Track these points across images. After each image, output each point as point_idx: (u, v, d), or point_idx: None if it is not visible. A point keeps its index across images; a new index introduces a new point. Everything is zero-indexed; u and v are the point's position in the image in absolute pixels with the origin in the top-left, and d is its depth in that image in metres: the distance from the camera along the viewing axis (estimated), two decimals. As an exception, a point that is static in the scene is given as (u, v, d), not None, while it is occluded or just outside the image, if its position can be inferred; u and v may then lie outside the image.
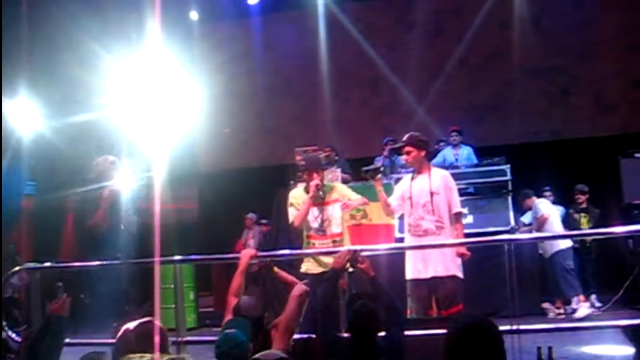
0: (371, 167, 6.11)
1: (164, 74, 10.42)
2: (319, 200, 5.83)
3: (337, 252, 4.84)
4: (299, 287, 4.37)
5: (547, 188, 9.92)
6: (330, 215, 5.85)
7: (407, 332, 4.26)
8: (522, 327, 4.81)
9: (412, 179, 5.85)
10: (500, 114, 12.57)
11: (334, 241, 5.79)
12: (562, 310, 8.84)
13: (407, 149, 5.80)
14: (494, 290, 7.43)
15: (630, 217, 9.28)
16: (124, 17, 10.50)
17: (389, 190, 6.23)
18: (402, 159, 6.14)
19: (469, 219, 8.93)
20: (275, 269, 4.93)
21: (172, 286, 5.74)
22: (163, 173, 7.52)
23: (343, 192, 5.96)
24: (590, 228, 9.42)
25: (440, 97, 12.51)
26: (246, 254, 4.95)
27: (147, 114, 10.30)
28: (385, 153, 10.43)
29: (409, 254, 5.78)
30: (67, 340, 4.23)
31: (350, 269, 4.81)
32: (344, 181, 9.63)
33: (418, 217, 5.69)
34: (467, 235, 6.11)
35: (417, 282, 5.66)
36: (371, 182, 5.88)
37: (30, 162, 11.55)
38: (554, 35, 12.41)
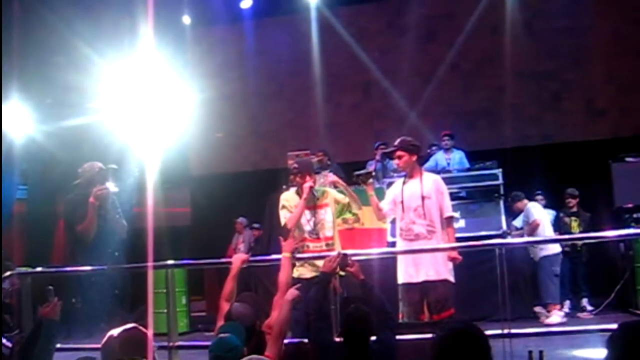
0: (363, 171, 6.13)
1: (156, 78, 10.41)
2: (312, 203, 5.84)
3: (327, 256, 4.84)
4: (292, 292, 4.37)
5: (539, 192, 9.95)
6: (323, 219, 5.85)
7: (399, 337, 4.28)
8: (513, 331, 4.84)
9: (404, 183, 5.87)
10: (492, 118, 12.61)
11: (327, 244, 5.79)
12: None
13: (399, 153, 5.81)
14: (486, 295, 7.43)
15: (621, 221, 9.34)
16: (117, 21, 10.50)
17: (380, 194, 6.24)
18: (394, 163, 6.16)
19: (461, 223, 8.94)
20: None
21: (164, 290, 5.74)
22: (155, 177, 7.52)
23: (335, 197, 5.98)
24: (581, 232, 9.44)
25: (432, 101, 12.54)
26: (238, 259, 4.96)
27: (140, 118, 10.29)
28: (377, 157, 10.45)
29: (400, 259, 5.79)
30: (58, 345, 4.22)
31: (342, 273, 4.83)
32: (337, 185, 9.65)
33: (409, 221, 5.70)
34: (458, 240, 6.13)
35: (408, 286, 5.67)
36: (363, 186, 5.90)
37: (22, 166, 11.52)
38: (546, 41, 12.48)
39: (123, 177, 6.47)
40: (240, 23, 13.80)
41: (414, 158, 5.84)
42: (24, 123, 10.75)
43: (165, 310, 5.68)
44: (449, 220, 5.80)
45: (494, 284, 5.10)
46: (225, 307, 4.30)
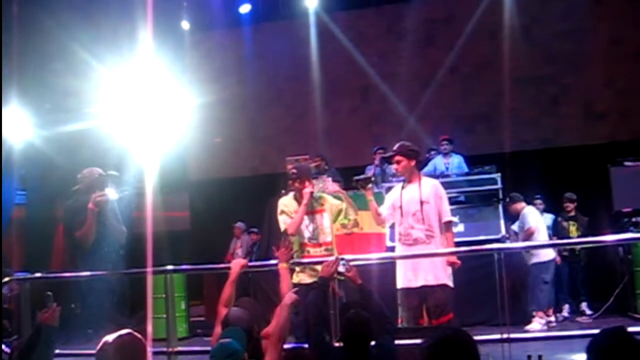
0: (362, 176, 6.13)
1: (155, 83, 10.41)
2: (310, 208, 5.85)
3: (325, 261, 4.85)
4: (290, 296, 4.37)
5: (538, 196, 9.92)
6: (321, 224, 5.87)
7: (398, 341, 4.28)
8: (512, 335, 4.83)
9: (403, 188, 5.87)
10: (490, 123, 12.62)
11: (326, 249, 5.81)
12: (552, 318, 8.83)
13: (397, 158, 5.82)
14: (485, 299, 7.43)
15: (620, 225, 9.33)
16: (116, 26, 10.49)
17: (379, 199, 6.25)
18: (393, 168, 6.16)
19: (460, 228, 8.94)
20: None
21: (163, 296, 5.74)
22: (154, 181, 7.52)
23: (332, 202, 5.99)
24: (579, 236, 9.43)
25: (431, 105, 12.55)
26: (237, 264, 4.96)
27: (139, 123, 10.29)
28: (376, 162, 10.46)
29: (399, 263, 5.79)
30: (57, 350, 4.22)
31: (341, 277, 4.83)
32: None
33: (408, 226, 5.71)
34: (457, 244, 6.12)
35: (407, 291, 5.67)
36: (362, 191, 5.91)
37: (21, 172, 11.51)
38: (544, 45, 12.50)
39: (122, 183, 6.47)
40: (239, 28, 13.81)
41: (413, 163, 5.84)
42: (23, 128, 10.74)
43: (165, 315, 5.68)
44: (448, 225, 5.80)
45: (493, 289, 5.09)
46: (223, 312, 4.30)
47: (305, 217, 5.83)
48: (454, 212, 6.44)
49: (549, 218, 9.86)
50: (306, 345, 4.37)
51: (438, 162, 10.50)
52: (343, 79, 13.55)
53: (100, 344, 3.17)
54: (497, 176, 9.35)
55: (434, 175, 9.10)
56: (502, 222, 9.18)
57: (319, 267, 5.25)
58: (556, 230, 9.69)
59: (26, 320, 5.85)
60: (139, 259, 5.85)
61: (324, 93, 13.33)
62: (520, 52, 12.22)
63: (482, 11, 12.35)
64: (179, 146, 12.68)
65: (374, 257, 6.49)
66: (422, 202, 5.70)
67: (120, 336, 3.17)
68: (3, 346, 5.46)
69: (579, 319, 9.19)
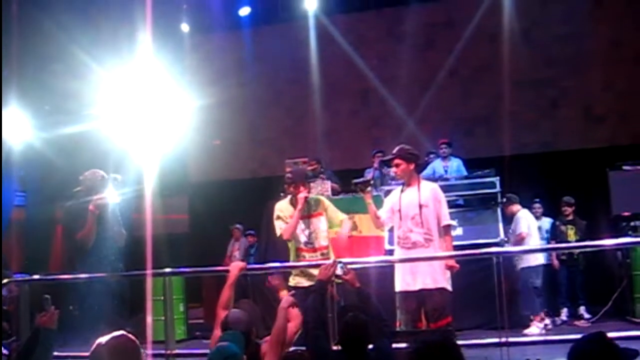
0: (361, 179, 6.15)
1: (154, 86, 10.42)
2: (306, 212, 5.85)
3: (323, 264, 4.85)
4: (287, 299, 4.37)
5: (537, 201, 9.92)
6: (317, 228, 5.86)
7: (396, 345, 4.28)
8: (511, 339, 4.84)
9: (402, 191, 5.88)
10: (490, 126, 12.63)
11: (322, 254, 5.80)
12: (547, 321, 8.81)
13: (397, 161, 5.83)
14: (483, 303, 7.41)
15: (618, 229, 9.33)
16: (115, 28, 10.50)
17: (378, 202, 6.26)
18: (392, 171, 6.17)
19: (459, 231, 8.93)
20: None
21: (162, 298, 5.74)
22: (153, 184, 7.53)
23: (328, 207, 5.97)
24: (577, 240, 9.42)
25: (431, 109, 12.55)
26: (235, 267, 4.96)
27: (138, 125, 10.30)
28: (375, 165, 10.47)
29: (398, 267, 5.79)
30: (55, 352, 4.22)
31: (339, 281, 4.83)
32: (334, 192, 9.66)
33: (407, 229, 5.71)
34: (456, 248, 6.13)
35: (406, 294, 5.67)
36: (361, 194, 5.91)
37: (20, 173, 11.52)
38: (544, 48, 12.51)
39: (123, 186, 6.47)
40: (239, 30, 13.81)
41: (412, 166, 5.85)
42: (23, 130, 10.75)
43: (163, 318, 5.69)
44: (447, 228, 5.80)
45: (491, 292, 5.10)
46: (222, 314, 4.30)
47: (301, 222, 5.83)
48: (452, 216, 6.42)
49: (547, 222, 9.85)
50: (304, 349, 4.37)
51: (437, 165, 10.49)
52: (343, 81, 13.55)
53: (94, 345, 3.16)
54: (496, 179, 9.34)
55: (433, 178, 9.10)
56: (500, 225, 9.17)
57: (314, 271, 5.27)
58: (554, 234, 9.68)
59: (25, 322, 5.86)
60: (138, 262, 5.86)
61: (324, 96, 13.34)
62: (520, 55, 12.22)
63: (482, 14, 12.35)
64: (178, 148, 12.68)
65: (372, 260, 6.50)
66: (421, 206, 5.70)
67: (113, 337, 3.16)
68: (2, 348, 5.46)
69: (577, 322, 9.18)
